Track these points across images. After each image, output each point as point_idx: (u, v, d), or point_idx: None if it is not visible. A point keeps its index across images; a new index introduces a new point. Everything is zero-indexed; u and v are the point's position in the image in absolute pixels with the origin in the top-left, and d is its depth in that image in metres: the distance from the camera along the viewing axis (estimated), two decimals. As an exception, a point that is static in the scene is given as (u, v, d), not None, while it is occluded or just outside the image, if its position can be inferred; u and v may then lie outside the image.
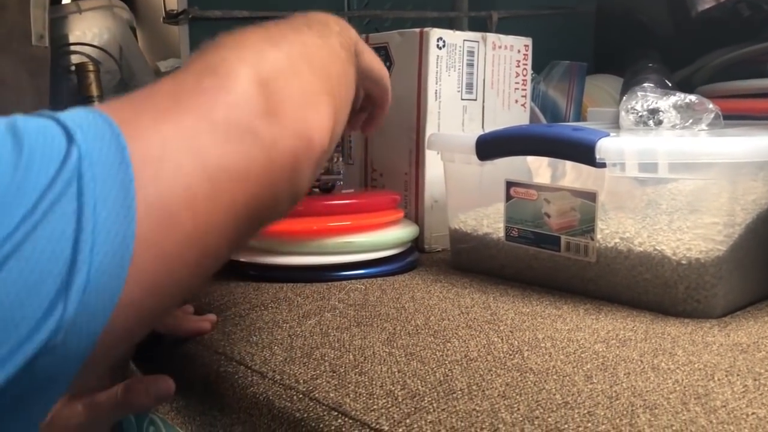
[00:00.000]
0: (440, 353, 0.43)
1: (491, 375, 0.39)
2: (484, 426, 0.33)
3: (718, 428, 0.33)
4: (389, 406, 0.36)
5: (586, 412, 0.34)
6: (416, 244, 0.71)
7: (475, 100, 0.76)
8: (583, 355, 0.42)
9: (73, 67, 0.86)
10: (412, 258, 0.67)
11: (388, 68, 0.75)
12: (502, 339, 0.46)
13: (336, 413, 0.37)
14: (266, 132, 0.33)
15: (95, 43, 0.88)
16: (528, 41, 0.80)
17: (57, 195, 0.25)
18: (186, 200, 0.29)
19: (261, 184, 0.32)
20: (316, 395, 0.39)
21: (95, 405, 0.46)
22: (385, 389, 0.38)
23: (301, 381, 0.40)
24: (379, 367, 0.41)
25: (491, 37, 0.76)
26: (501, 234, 0.62)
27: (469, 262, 0.66)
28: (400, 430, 0.34)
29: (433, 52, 0.72)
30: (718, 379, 0.38)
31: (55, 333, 0.24)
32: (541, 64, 0.98)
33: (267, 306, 0.55)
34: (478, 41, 0.75)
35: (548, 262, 0.59)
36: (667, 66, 0.89)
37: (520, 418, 0.34)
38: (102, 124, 0.27)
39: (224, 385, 0.44)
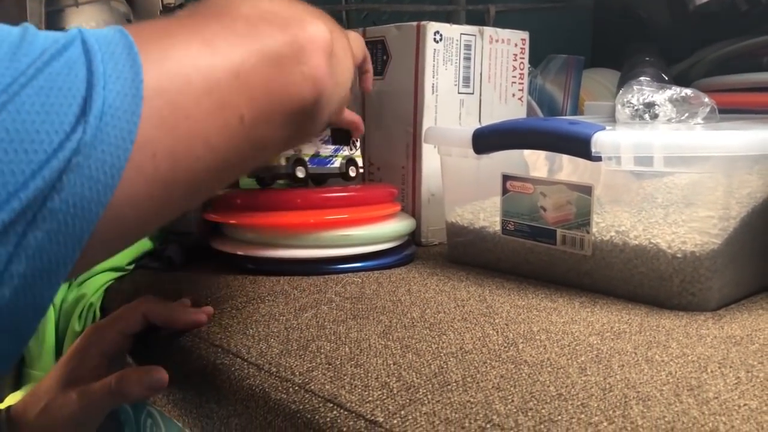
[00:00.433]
0: (435, 346, 0.43)
1: (486, 367, 0.40)
2: (478, 417, 0.34)
3: (710, 419, 0.33)
4: (384, 398, 0.37)
5: (579, 403, 0.35)
6: (413, 238, 0.71)
7: (472, 93, 0.76)
8: (577, 348, 0.42)
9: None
10: (408, 251, 0.67)
11: (385, 62, 0.75)
12: (497, 331, 0.46)
13: (331, 405, 0.37)
14: (267, 29, 0.36)
15: (92, 37, 0.88)
16: (525, 35, 0.80)
17: (65, 43, 0.28)
18: (194, 70, 0.32)
19: (268, 68, 0.36)
20: (312, 387, 0.39)
21: (89, 394, 0.46)
22: (380, 381, 0.39)
23: (297, 373, 0.41)
24: (375, 359, 0.42)
25: (488, 30, 0.76)
26: (497, 227, 0.62)
27: (466, 255, 0.66)
28: (395, 421, 0.34)
29: (430, 46, 0.72)
30: (711, 371, 0.39)
31: (76, 152, 0.27)
32: (538, 57, 0.98)
33: (264, 299, 0.55)
34: (475, 35, 0.75)
35: (544, 256, 0.59)
36: (664, 60, 0.89)
37: (514, 410, 0.34)
38: (110, 29, 0.31)
39: (221, 378, 0.44)
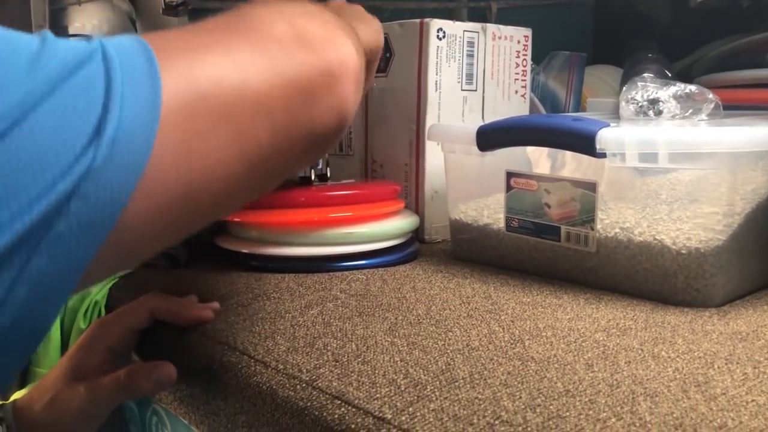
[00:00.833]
0: (442, 342, 0.43)
1: (493, 364, 0.40)
2: (486, 414, 0.34)
3: (718, 415, 0.33)
4: (392, 394, 0.37)
5: (587, 400, 0.35)
6: (416, 235, 0.71)
7: (475, 90, 0.76)
8: (583, 344, 0.43)
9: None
10: (412, 248, 0.67)
11: (388, 59, 0.75)
12: (503, 328, 0.46)
13: (339, 402, 0.37)
14: (300, 54, 0.35)
15: (95, 35, 0.88)
16: (528, 32, 0.80)
17: (84, 57, 0.27)
18: (216, 95, 0.31)
19: (297, 96, 0.34)
20: (319, 384, 0.39)
21: (97, 388, 0.46)
22: (387, 378, 0.39)
23: (304, 370, 0.41)
24: (382, 356, 0.42)
25: (491, 27, 0.76)
26: (501, 224, 0.62)
27: (470, 252, 0.66)
28: (403, 418, 0.34)
29: (433, 43, 0.72)
30: (718, 367, 0.39)
31: (85, 176, 0.26)
32: (540, 54, 0.98)
33: (269, 296, 0.55)
34: (478, 32, 0.75)
35: (548, 253, 0.59)
36: (666, 56, 0.89)
37: (522, 406, 0.34)
38: (132, 41, 0.30)
39: (227, 375, 0.44)
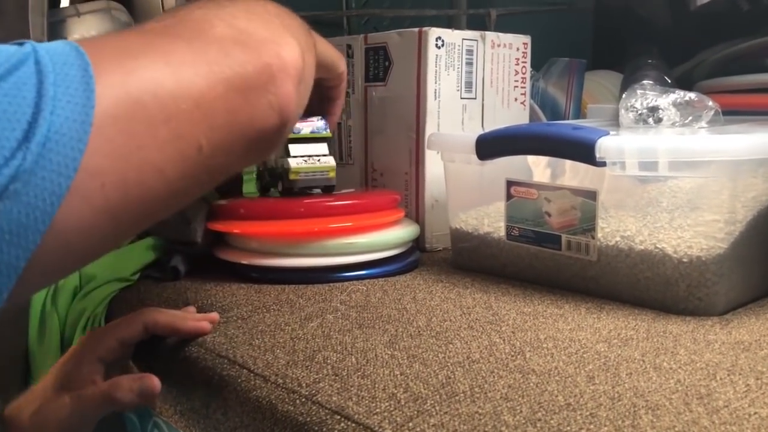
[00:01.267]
0: (442, 355, 0.43)
1: (493, 377, 0.39)
2: (486, 429, 0.33)
3: (721, 429, 0.33)
4: (392, 409, 0.36)
5: (588, 413, 0.35)
6: (417, 244, 0.71)
7: (475, 98, 0.76)
8: (585, 356, 0.42)
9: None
10: (413, 258, 0.67)
11: (387, 68, 0.75)
12: (504, 340, 0.46)
13: (339, 417, 0.37)
14: (239, 54, 0.35)
15: (94, 46, 0.88)
16: (527, 39, 0.80)
17: (15, 62, 0.27)
18: (152, 98, 0.30)
19: (235, 97, 0.34)
20: (319, 399, 0.39)
21: (82, 398, 0.47)
22: (387, 392, 0.38)
23: (304, 385, 0.41)
24: (382, 369, 0.42)
25: (490, 35, 0.76)
26: (502, 233, 0.62)
27: (471, 261, 0.66)
28: (403, 433, 0.34)
29: (432, 52, 0.72)
30: (720, 379, 0.38)
31: (14, 178, 0.26)
32: (540, 61, 0.98)
33: (269, 308, 0.55)
34: (476, 40, 0.75)
35: (549, 261, 0.59)
36: (666, 61, 0.89)
37: (523, 421, 0.34)
38: (66, 46, 0.29)
39: (227, 389, 0.44)
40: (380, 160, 0.78)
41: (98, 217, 0.29)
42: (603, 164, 0.52)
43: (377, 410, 0.36)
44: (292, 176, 0.63)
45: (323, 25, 1.07)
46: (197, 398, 0.47)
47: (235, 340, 0.48)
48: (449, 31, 0.73)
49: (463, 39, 0.74)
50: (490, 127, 0.71)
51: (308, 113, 0.66)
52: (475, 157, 0.61)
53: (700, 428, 0.33)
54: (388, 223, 0.66)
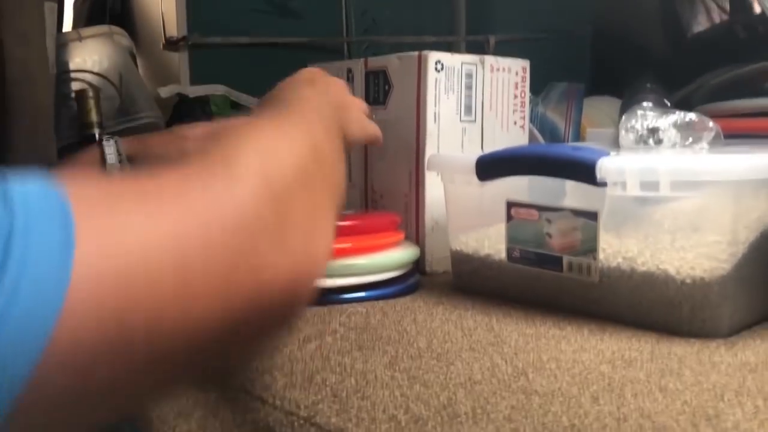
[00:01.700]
0: (443, 376, 0.42)
1: (496, 398, 0.39)
2: (489, 450, 0.33)
3: (730, 449, 0.32)
4: (392, 430, 0.36)
5: (593, 434, 0.34)
6: (417, 267, 0.71)
7: (474, 122, 0.76)
8: (588, 377, 0.41)
9: (73, 94, 0.86)
10: (413, 280, 0.67)
11: (387, 91, 0.76)
12: (506, 361, 0.45)
13: (338, 439, 0.36)
14: (265, 251, 0.28)
15: (95, 70, 0.89)
16: (526, 63, 0.80)
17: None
18: (146, 294, 0.24)
19: (242, 306, 0.27)
20: (318, 420, 0.38)
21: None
22: (387, 414, 0.38)
23: (302, 406, 0.40)
24: (382, 391, 0.41)
25: (489, 59, 0.77)
26: (503, 255, 0.61)
27: (471, 283, 0.65)
28: (404, 455, 0.33)
29: (431, 75, 0.72)
30: (728, 400, 0.38)
31: None
32: (538, 87, 0.99)
33: (267, 330, 0.54)
34: (476, 64, 0.75)
35: (551, 283, 0.58)
36: (665, 86, 0.89)
37: (527, 442, 0.33)
38: (47, 190, 0.24)
39: (224, 412, 0.43)
40: (380, 182, 0.78)
41: (55, 405, 0.23)
42: (604, 184, 0.52)
43: (377, 432, 0.36)
44: None
45: (324, 50, 1.08)
46: (193, 421, 0.46)
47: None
48: (449, 54, 0.74)
49: (463, 63, 0.74)
50: (489, 150, 0.71)
51: None
52: (475, 178, 0.61)
53: (709, 449, 0.32)
54: (388, 244, 0.66)
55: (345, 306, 0.60)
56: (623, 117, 0.58)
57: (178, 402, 0.49)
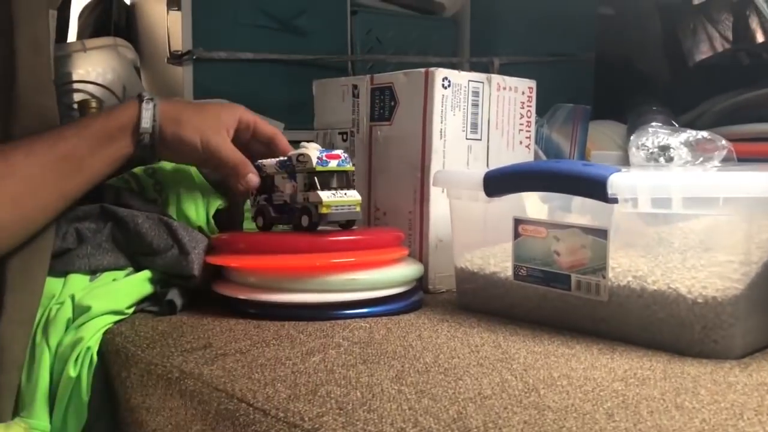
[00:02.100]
0: (452, 391, 0.41)
1: (507, 413, 0.37)
2: (503, 465, 0.31)
3: (753, 469, 0.31)
4: (401, 444, 0.34)
5: (610, 451, 0.33)
6: (420, 285, 0.69)
7: (480, 140, 0.76)
8: (601, 394, 0.40)
9: (75, 105, 0.85)
10: (416, 297, 0.65)
11: (393, 108, 0.75)
12: (515, 377, 0.44)
13: (344, 451, 0.35)
14: None
15: (99, 82, 0.88)
16: (532, 83, 0.80)
17: None
18: None
19: None
20: (323, 433, 0.37)
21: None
22: (395, 427, 0.36)
23: (307, 418, 0.38)
24: (389, 404, 0.39)
25: (496, 78, 0.76)
26: (509, 273, 0.60)
27: (476, 301, 0.64)
28: (414, 468, 0.32)
29: (438, 92, 0.71)
30: (748, 419, 0.36)
31: None
32: (541, 110, 0.98)
33: (268, 343, 0.53)
34: (482, 82, 0.75)
35: (558, 302, 0.57)
36: (670, 111, 0.89)
37: (542, 457, 0.32)
38: None
39: (224, 424, 0.42)
40: (383, 199, 0.77)
41: None
42: (615, 201, 0.51)
43: (385, 445, 0.34)
44: (323, 210, 0.61)
45: (329, 69, 1.08)
46: (191, 434, 0.45)
47: (233, 374, 0.46)
48: (456, 72, 0.74)
49: (470, 80, 0.74)
50: (495, 168, 0.70)
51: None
52: (482, 194, 0.60)
53: (732, 468, 0.31)
54: (392, 260, 0.65)
55: (347, 321, 0.59)
56: (634, 135, 0.58)
57: (176, 415, 0.47)
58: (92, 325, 0.58)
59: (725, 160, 0.56)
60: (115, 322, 0.60)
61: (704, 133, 0.55)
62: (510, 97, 0.78)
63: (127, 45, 0.96)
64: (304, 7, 1.06)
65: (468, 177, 0.63)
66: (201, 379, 0.47)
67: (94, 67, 0.89)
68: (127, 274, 0.65)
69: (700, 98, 0.98)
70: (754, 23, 1.16)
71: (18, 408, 0.57)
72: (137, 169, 0.72)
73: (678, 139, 0.55)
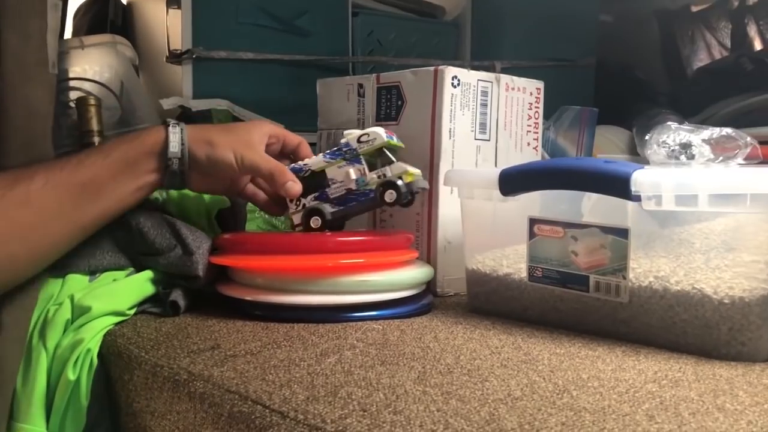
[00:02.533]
0: (480, 392, 0.39)
1: (542, 414, 0.36)
2: (547, 468, 0.30)
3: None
4: (434, 446, 0.32)
5: (657, 453, 0.31)
6: (429, 288, 0.68)
7: (488, 140, 0.74)
8: (636, 395, 0.39)
9: (72, 103, 0.83)
10: (427, 300, 0.64)
11: (400, 107, 0.73)
12: (543, 378, 0.42)
13: (373, 455, 0.33)
14: None
15: (96, 79, 0.86)
16: (540, 84, 0.79)
17: None
18: None
19: None
20: (348, 435, 0.35)
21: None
22: (425, 429, 0.34)
23: (329, 420, 0.36)
24: (415, 405, 0.38)
25: (504, 78, 0.75)
26: (523, 274, 0.59)
27: (489, 304, 0.62)
28: (452, 472, 0.30)
29: (447, 91, 0.70)
30: (794, 420, 0.35)
31: None
32: (543, 115, 0.97)
33: (280, 344, 0.50)
34: (491, 81, 0.74)
35: (575, 303, 0.56)
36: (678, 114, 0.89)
37: (586, 460, 0.30)
38: None
39: (239, 427, 0.40)
40: (390, 200, 0.75)
41: None
42: (638, 199, 0.50)
43: (417, 447, 0.32)
44: (408, 178, 0.62)
45: (329, 70, 1.07)
46: (201, 439, 0.43)
47: (246, 375, 0.44)
48: (465, 71, 0.72)
49: (479, 80, 0.73)
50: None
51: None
52: (497, 192, 0.59)
53: (790, 470, 0.29)
54: (403, 261, 0.63)
55: (359, 323, 0.57)
56: (653, 131, 0.56)
57: (184, 419, 0.45)
58: (92, 326, 0.56)
59: (749, 158, 0.55)
60: (116, 324, 0.57)
61: (728, 130, 0.54)
62: (518, 98, 0.77)
63: (125, 43, 0.94)
64: (305, 8, 1.05)
65: (481, 175, 0.62)
66: (211, 381, 0.44)
67: (92, 65, 0.87)
68: (128, 275, 0.62)
69: (702, 104, 0.98)
70: (752, 31, 1.16)
71: (13, 414, 0.54)
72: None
73: (700, 137, 0.54)
